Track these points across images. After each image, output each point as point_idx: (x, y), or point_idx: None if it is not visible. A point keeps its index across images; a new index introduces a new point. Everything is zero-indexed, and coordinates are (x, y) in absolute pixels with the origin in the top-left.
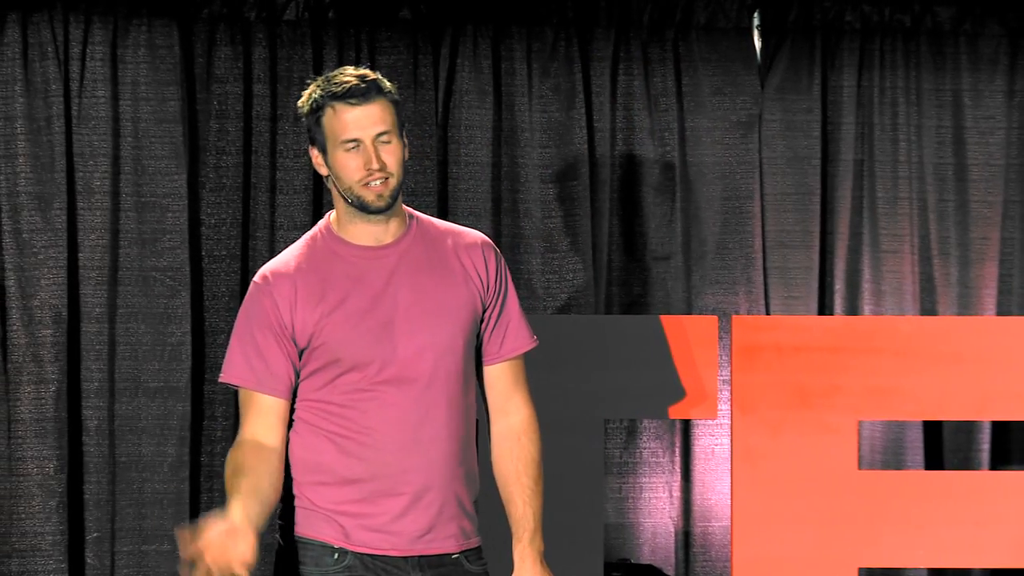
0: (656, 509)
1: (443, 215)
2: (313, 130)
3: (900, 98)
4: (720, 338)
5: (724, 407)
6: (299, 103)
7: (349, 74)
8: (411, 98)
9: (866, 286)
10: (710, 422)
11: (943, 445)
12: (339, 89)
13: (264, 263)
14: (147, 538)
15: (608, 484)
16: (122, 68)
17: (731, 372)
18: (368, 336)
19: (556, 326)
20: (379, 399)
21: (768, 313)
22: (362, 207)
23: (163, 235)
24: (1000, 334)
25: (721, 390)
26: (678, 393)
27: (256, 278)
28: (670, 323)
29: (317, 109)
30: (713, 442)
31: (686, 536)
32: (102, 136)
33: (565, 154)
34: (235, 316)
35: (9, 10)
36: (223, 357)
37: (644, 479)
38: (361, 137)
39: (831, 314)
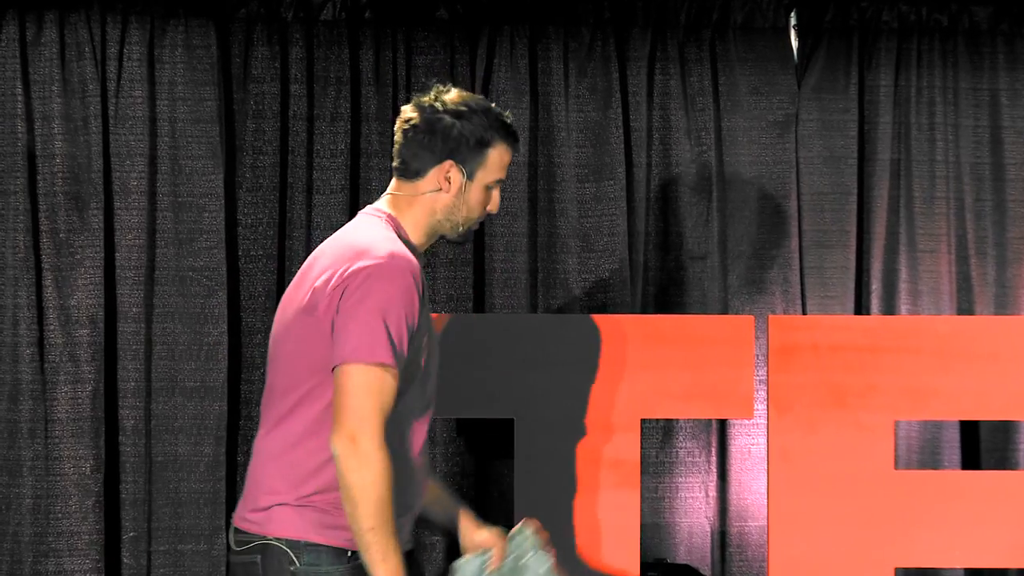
0: (692, 509)
1: None
2: (469, 151)
3: (937, 97)
4: (756, 338)
5: (760, 407)
6: (460, 113)
7: (508, 117)
8: None
9: (903, 286)
10: (746, 422)
11: (980, 445)
12: (513, 134)
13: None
14: (183, 538)
15: (644, 484)
16: (159, 68)
17: (767, 372)
18: (434, 353)
19: (592, 326)
20: (422, 417)
21: (805, 313)
22: (455, 235)
23: (200, 235)
24: None
25: (757, 390)
26: (714, 393)
27: (395, 259)
28: (706, 323)
29: (490, 139)
30: (749, 442)
31: (722, 536)
32: (139, 136)
33: (601, 154)
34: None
35: (46, 10)
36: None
37: (680, 479)
38: (503, 180)
39: (868, 314)
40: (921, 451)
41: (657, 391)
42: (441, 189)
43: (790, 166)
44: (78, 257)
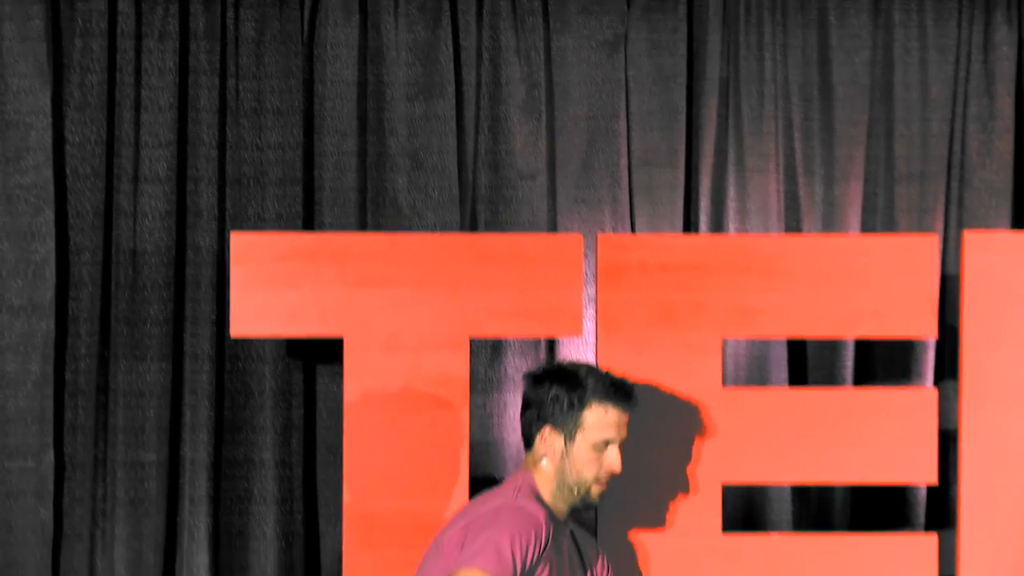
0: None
1: (309, 134)
2: (563, 416)
3: (766, 16)
4: (585, 256)
5: (589, 324)
6: (556, 377)
7: (621, 380)
8: (276, 16)
9: (731, 204)
10: (575, 340)
11: (807, 362)
12: (619, 394)
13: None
14: (11, 455)
15: (473, 401)
16: None
17: (596, 290)
18: None
19: (422, 244)
20: None
21: (633, 231)
22: (583, 498)
23: (27, 153)
24: (864, 252)
25: (586, 308)
26: (543, 312)
27: (522, 503)
28: (535, 241)
29: (584, 402)
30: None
31: None
32: None
33: (431, 73)
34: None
35: None
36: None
37: (509, 395)
38: (615, 440)
39: (696, 232)
40: (749, 368)
41: (486, 310)
42: (546, 455)
43: (619, 85)
44: None
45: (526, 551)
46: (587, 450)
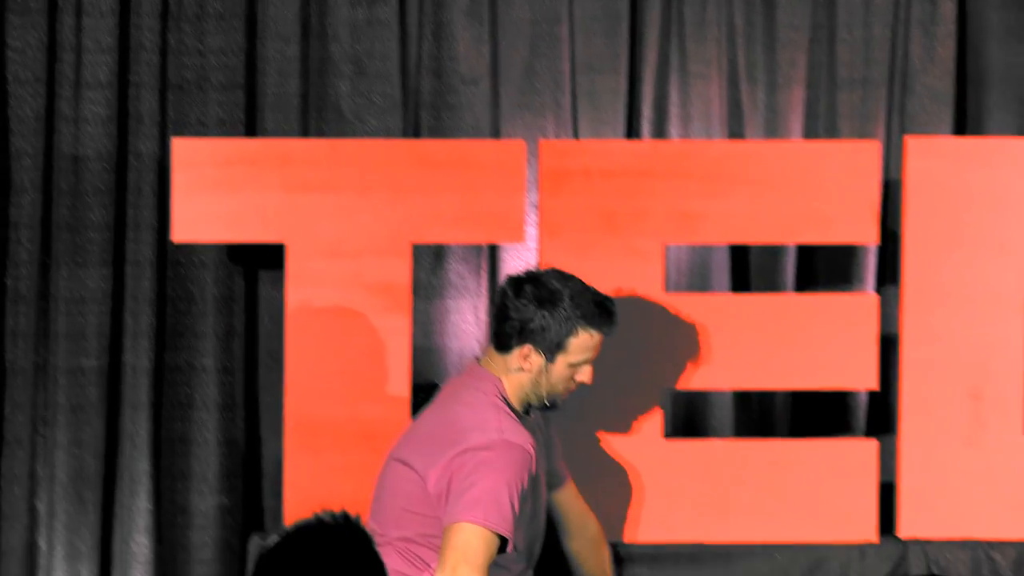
0: (463, 332)
1: (251, 39)
2: (547, 336)
3: None
4: (528, 162)
5: (532, 231)
6: (544, 301)
7: (605, 301)
8: None
9: (673, 110)
10: (518, 246)
11: (749, 268)
12: (603, 319)
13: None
14: None
15: (416, 307)
16: None
17: (539, 196)
18: (539, 514)
19: (364, 150)
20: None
21: (576, 137)
22: (549, 403)
23: None
24: (806, 158)
25: (529, 214)
26: (486, 217)
27: (520, 443)
28: (478, 147)
29: (572, 329)
30: (520, 265)
31: None
32: None
33: None
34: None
35: None
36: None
37: (451, 302)
38: (593, 358)
39: (639, 139)
40: (691, 274)
41: (428, 216)
42: (523, 369)
43: None
44: None
45: (522, 493)
46: (565, 368)
